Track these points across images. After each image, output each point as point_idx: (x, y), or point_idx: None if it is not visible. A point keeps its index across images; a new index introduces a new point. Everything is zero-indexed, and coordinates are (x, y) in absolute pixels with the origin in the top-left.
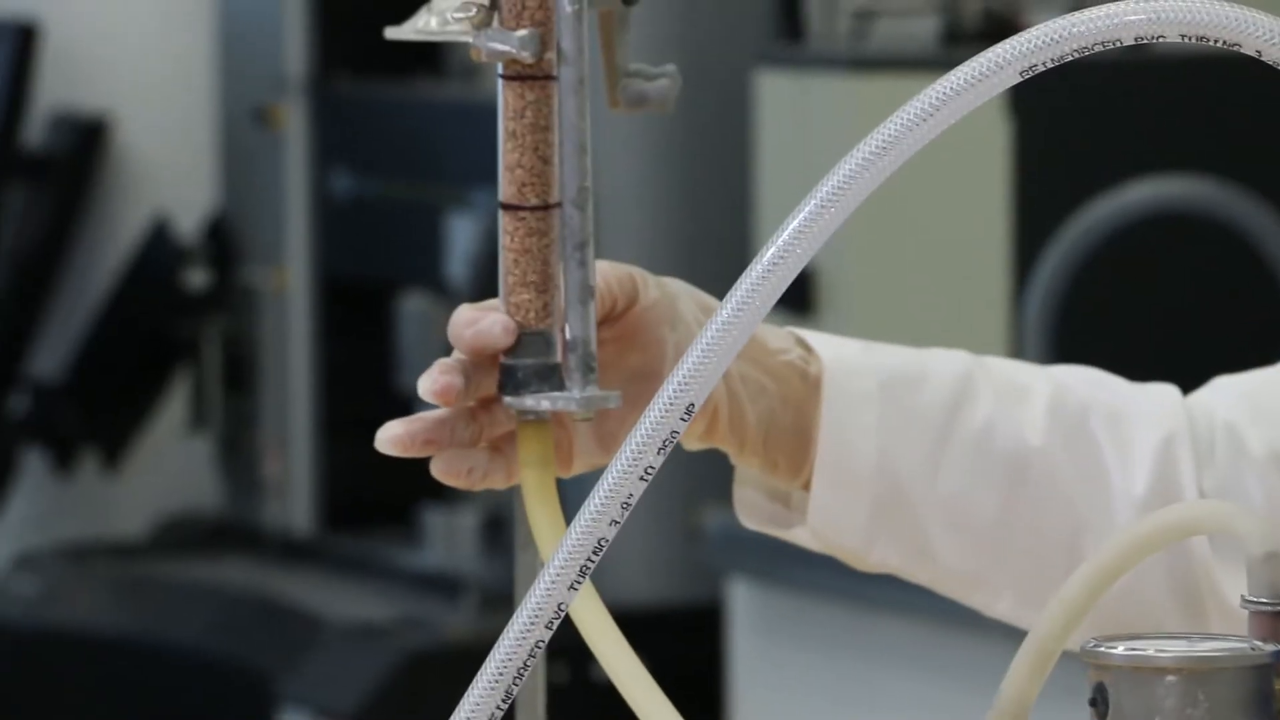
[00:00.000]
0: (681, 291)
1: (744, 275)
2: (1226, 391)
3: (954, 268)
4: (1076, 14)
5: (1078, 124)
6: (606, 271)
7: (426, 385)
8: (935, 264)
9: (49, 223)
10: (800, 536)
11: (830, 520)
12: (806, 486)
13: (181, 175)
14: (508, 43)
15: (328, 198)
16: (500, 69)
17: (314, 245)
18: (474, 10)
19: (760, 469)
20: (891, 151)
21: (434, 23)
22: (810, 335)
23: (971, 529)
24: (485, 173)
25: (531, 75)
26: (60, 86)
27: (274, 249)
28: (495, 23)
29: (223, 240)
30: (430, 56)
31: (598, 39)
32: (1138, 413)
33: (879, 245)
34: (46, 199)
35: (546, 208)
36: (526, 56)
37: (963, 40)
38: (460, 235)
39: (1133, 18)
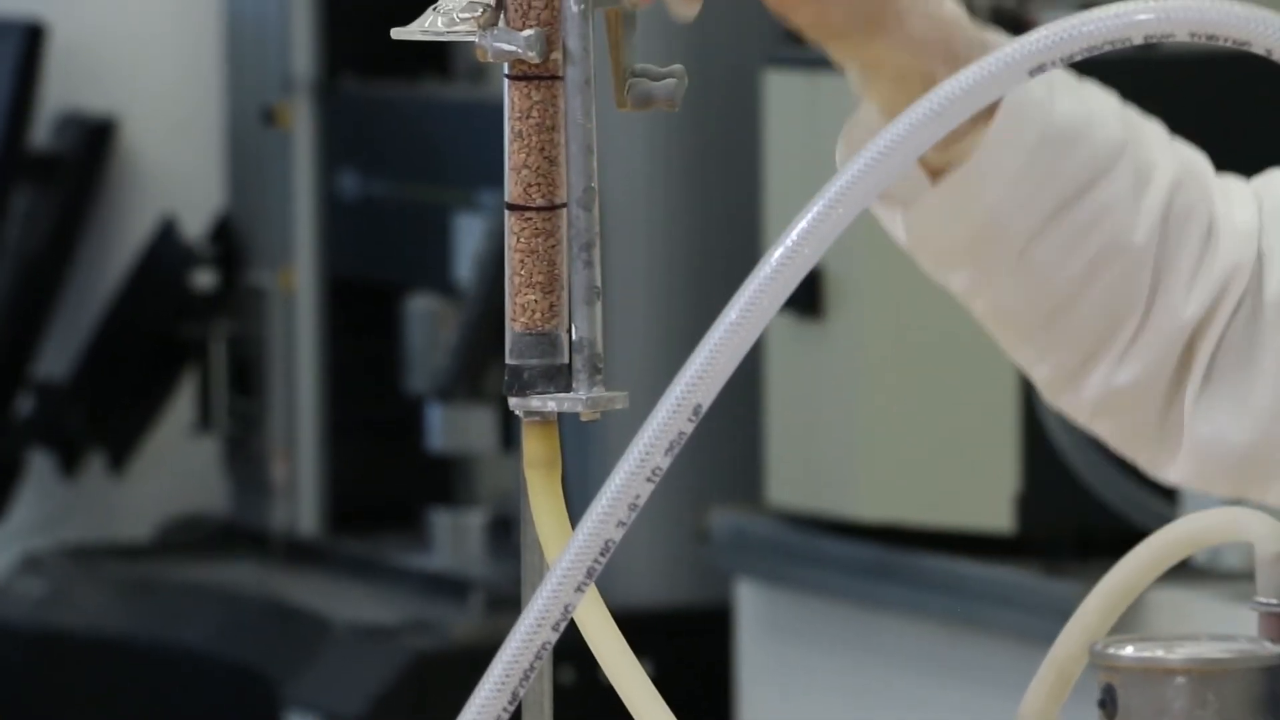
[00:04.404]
0: None
1: (751, 276)
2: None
3: None
4: (1086, 13)
5: None
6: None
7: None
8: None
9: (55, 224)
10: (891, 220)
11: (927, 223)
12: (931, 173)
13: (188, 176)
14: (514, 43)
15: (335, 198)
16: (506, 69)
17: (321, 246)
18: (480, 10)
19: (887, 114)
20: (899, 151)
21: (440, 23)
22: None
23: (1040, 294)
24: (492, 173)
25: (538, 75)
26: (67, 87)
27: (281, 250)
28: (501, 22)
29: (230, 241)
30: (437, 57)
31: (604, 38)
32: (1224, 238)
33: (887, 246)
34: (53, 200)
35: (553, 208)
36: (533, 56)
37: None
38: (467, 236)
39: (1142, 17)
